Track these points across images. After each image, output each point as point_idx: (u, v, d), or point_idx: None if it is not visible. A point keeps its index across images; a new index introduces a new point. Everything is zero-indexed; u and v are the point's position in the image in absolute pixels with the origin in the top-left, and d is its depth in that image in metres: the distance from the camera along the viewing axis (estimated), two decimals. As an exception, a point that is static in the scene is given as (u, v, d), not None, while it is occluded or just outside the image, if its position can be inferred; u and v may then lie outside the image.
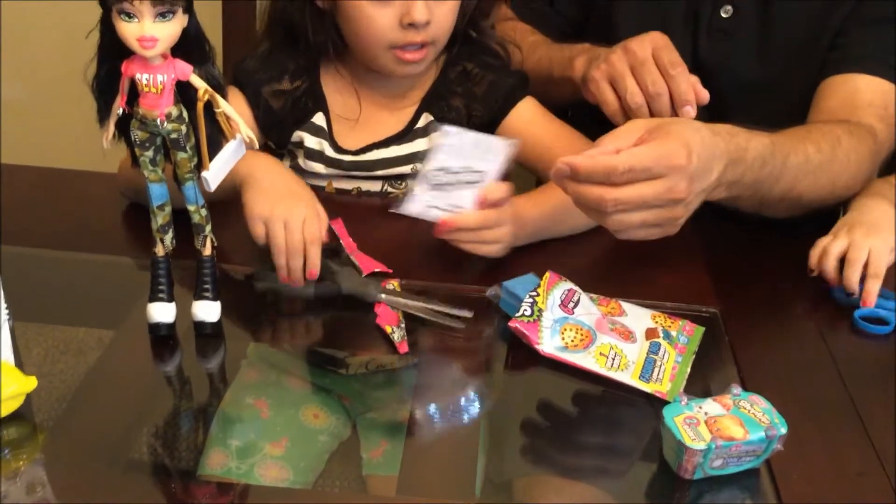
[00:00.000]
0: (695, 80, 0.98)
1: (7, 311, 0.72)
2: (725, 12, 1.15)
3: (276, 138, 1.11)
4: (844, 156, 0.99)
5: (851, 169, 1.01)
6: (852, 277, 0.92)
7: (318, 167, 1.11)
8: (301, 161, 1.11)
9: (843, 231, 0.96)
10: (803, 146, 0.96)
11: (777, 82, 1.15)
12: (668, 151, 0.78)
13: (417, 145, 1.11)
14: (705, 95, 0.97)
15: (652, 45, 0.99)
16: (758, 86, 1.16)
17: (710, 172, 0.82)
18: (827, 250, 0.94)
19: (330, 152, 1.10)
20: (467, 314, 0.87)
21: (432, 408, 0.80)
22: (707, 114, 1.03)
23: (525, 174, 1.19)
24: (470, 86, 1.11)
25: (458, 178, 0.92)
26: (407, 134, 1.12)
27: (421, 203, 0.92)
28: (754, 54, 1.15)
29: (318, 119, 1.10)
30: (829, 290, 0.95)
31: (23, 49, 1.73)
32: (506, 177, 0.95)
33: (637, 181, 0.78)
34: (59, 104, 1.78)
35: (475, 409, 0.81)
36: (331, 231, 0.95)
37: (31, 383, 0.73)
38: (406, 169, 1.11)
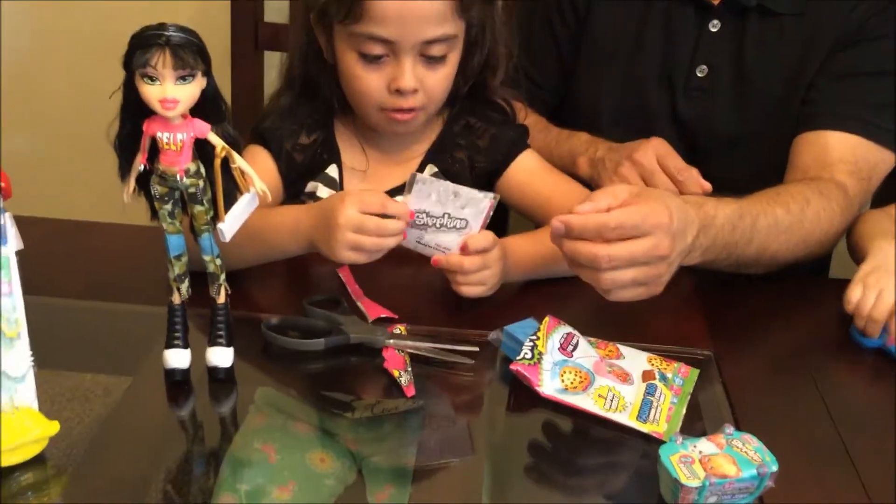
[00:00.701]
0: (696, 175, 1.06)
1: (32, 359, 0.76)
2: (701, 72, 1.19)
3: (293, 191, 1.14)
4: (814, 214, 1.04)
5: (823, 226, 1.05)
6: None
7: None
8: None
9: (873, 279, 0.96)
10: (772, 208, 1.00)
11: (754, 135, 1.19)
12: (653, 210, 0.85)
13: None
14: (708, 187, 1.06)
15: (656, 154, 1.08)
16: (735, 139, 1.20)
17: (686, 234, 0.89)
18: (873, 317, 0.95)
19: None
20: (474, 349, 0.90)
21: (437, 451, 0.81)
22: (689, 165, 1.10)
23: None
24: (473, 139, 1.14)
25: (442, 223, 0.96)
26: None
27: (411, 239, 0.96)
28: (731, 110, 1.19)
29: (332, 170, 1.13)
30: (854, 335, 0.97)
31: (27, 102, 1.77)
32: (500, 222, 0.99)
33: (626, 237, 0.84)
34: (66, 158, 1.82)
35: (479, 451, 0.82)
36: (338, 278, 0.99)
37: (53, 427, 0.75)
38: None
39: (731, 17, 1.18)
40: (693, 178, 1.07)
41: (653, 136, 1.12)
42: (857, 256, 1.07)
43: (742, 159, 1.20)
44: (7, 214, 0.72)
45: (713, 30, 1.18)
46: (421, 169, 1.15)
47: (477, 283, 0.97)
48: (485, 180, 1.13)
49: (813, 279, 1.11)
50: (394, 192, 1.14)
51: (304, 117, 1.13)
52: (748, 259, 1.00)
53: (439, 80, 1.06)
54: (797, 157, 1.14)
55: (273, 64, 1.53)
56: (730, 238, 0.95)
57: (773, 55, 1.17)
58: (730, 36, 1.18)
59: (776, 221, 1.00)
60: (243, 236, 0.84)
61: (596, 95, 1.26)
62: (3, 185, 0.72)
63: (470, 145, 1.14)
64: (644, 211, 0.85)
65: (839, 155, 1.11)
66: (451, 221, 0.95)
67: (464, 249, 0.96)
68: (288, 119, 1.12)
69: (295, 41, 1.13)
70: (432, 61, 1.04)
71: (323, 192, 1.13)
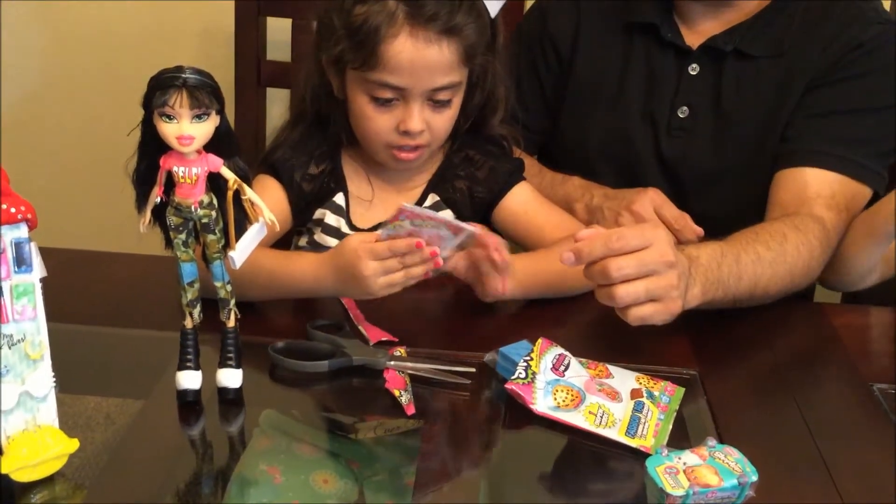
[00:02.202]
0: (689, 221, 1.12)
1: (54, 379, 0.79)
2: (682, 112, 1.24)
3: (301, 219, 1.18)
4: (794, 249, 1.07)
5: (804, 258, 1.09)
6: None
7: (334, 242, 1.17)
8: (318, 237, 1.18)
9: None
10: (752, 246, 1.04)
11: (731, 172, 1.23)
12: (647, 225, 0.91)
13: None
14: (700, 232, 1.12)
15: (653, 204, 1.13)
16: (715, 176, 1.24)
17: (684, 269, 0.93)
18: None
19: (346, 229, 1.18)
20: (471, 370, 0.94)
21: (435, 468, 0.84)
22: (671, 200, 1.15)
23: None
24: (472, 170, 1.19)
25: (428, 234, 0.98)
26: None
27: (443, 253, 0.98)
28: (710, 148, 1.23)
29: (339, 199, 1.18)
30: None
31: (41, 134, 1.81)
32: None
33: (632, 248, 0.88)
34: (82, 191, 1.86)
35: (476, 466, 0.85)
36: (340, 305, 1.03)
37: (73, 445, 0.78)
38: None
39: (708, 60, 1.22)
40: (688, 225, 1.13)
41: (649, 187, 1.17)
42: (851, 264, 1.11)
43: (721, 195, 1.24)
44: (33, 244, 0.77)
45: (692, 73, 1.23)
46: (423, 198, 1.19)
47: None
48: (483, 209, 1.19)
49: (792, 303, 1.15)
50: None
51: (313, 148, 1.17)
52: (743, 295, 1.04)
53: (444, 122, 1.11)
54: (776, 194, 1.17)
55: (274, 100, 1.58)
56: (719, 274, 0.99)
57: (750, 96, 1.21)
58: (709, 79, 1.23)
59: (759, 257, 1.04)
60: (265, 280, 0.90)
61: (583, 134, 1.30)
62: (29, 216, 0.76)
63: (469, 176, 1.19)
64: (642, 226, 0.91)
65: (816, 190, 1.15)
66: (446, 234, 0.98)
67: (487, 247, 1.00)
68: (298, 150, 1.16)
69: (306, 79, 1.17)
70: (438, 105, 1.09)
71: (331, 219, 1.18)
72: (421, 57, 1.05)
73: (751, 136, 1.22)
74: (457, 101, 1.12)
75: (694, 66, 1.23)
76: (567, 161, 1.30)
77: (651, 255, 0.90)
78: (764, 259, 1.04)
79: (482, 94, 1.16)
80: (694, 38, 1.24)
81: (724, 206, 1.15)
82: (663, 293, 0.91)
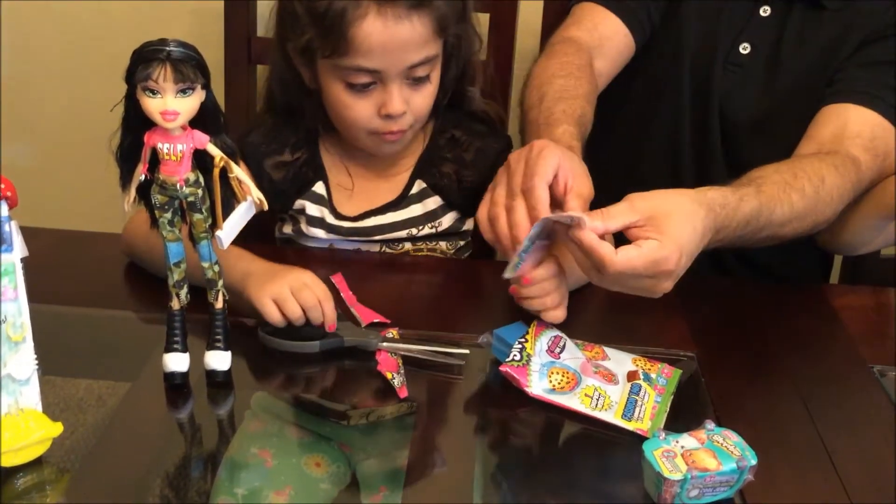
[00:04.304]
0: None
1: (36, 362, 0.78)
2: (744, 49, 1.22)
3: (279, 206, 1.16)
4: (827, 194, 1.04)
5: (835, 205, 1.06)
6: None
7: (320, 233, 1.16)
8: (303, 227, 1.17)
9: None
10: (788, 195, 1.00)
11: (776, 120, 1.21)
12: (661, 257, 0.84)
13: (412, 211, 1.17)
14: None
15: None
16: (757, 122, 1.22)
17: (694, 255, 0.89)
18: None
19: (330, 219, 1.16)
20: (465, 351, 0.92)
21: (429, 451, 0.83)
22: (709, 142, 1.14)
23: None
24: (459, 152, 1.17)
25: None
26: (402, 201, 1.17)
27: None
28: (760, 92, 1.22)
29: (319, 188, 1.16)
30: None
31: (27, 113, 1.79)
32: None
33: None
34: (66, 168, 1.84)
35: (470, 450, 0.84)
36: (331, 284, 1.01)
37: (57, 429, 0.77)
38: (402, 233, 1.17)
39: (781, 3, 1.21)
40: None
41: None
42: (850, 232, 1.10)
43: (761, 143, 1.22)
44: (13, 222, 0.75)
45: (763, 14, 1.21)
46: (409, 185, 1.17)
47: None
48: (472, 194, 1.16)
49: (791, 286, 1.14)
50: (385, 209, 1.17)
51: (288, 136, 1.15)
52: (754, 242, 1.01)
53: (424, 99, 1.09)
54: (815, 129, 1.15)
55: (265, 77, 1.56)
56: (744, 231, 0.96)
57: (808, 46, 1.20)
58: (776, 22, 1.21)
59: (791, 208, 1.01)
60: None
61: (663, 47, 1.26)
62: (9, 194, 0.74)
63: (456, 158, 1.17)
64: (651, 257, 0.84)
65: (857, 129, 1.12)
66: None
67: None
68: (270, 138, 1.14)
69: (274, 70, 1.14)
70: (417, 82, 1.07)
71: (312, 209, 1.16)
72: (393, 36, 1.01)
73: (799, 86, 1.20)
74: (435, 76, 1.09)
75: (766, 7, 1.22)
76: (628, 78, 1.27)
77: (643, 286, 0.86)
78: (796, 209, 1.01)
79: (457, 65, 1.13)
80: None
81: (766, 154, 1.11)
82: (650, 289, 0.89)
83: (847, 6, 1.18)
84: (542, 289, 0.93)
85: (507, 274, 0.90)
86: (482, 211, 0.95)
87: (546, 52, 1.20)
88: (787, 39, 1.20)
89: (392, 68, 1.04)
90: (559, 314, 0.94)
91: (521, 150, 0.95)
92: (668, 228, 0.85)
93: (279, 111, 1.16)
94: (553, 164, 0.91)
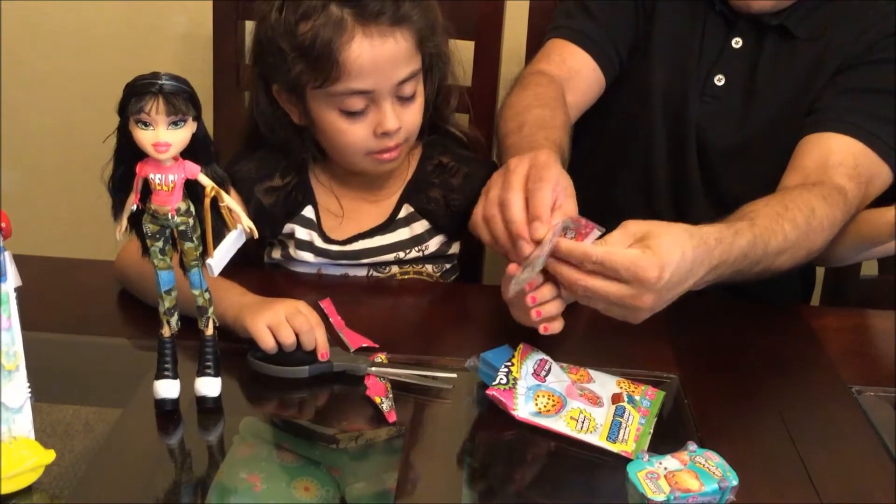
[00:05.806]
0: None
1: (29, 390, 0.79)
2: (719, 80, 1.24)
3: (268, 231, 1.17)
4: (819, 224, 1.06)
5: (826, 234, 1.07)
6: None
7: (308, 256, 1.17)
8: (292, 250, 1.18)
9: None
10: (781, 226, 1.02)
11: (754, 149, 1.23)
12: (642, 265, 0.85)
13: (400, 234, 1.19)
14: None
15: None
16: (737, 150, 1.24)
17: (684, 283, 0.90)
18: None
19: (319, 242, 1.17)
20: (452, 375, 0.94)
21: (417, 474, 0.83)
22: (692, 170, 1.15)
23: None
24: (447, 177, 1.19)
25: None
26: (389, 225, 1.19)
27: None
28: (736, 121, 1.24)
29: (308, 212, 1.17)
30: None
31: (20, 143, 1.79)
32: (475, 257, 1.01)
33: (605, 276, 0.86)
34: (58, 198, 1.84)
35: (457, 473, 0.85)
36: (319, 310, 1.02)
37: (49, 456, 0.78)
38: (389, 257, 1.18)
39: (753, 35, 1.23)
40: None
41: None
42: (833, 251, 1.11)
43: (742, 172, 1.24)
44: (7, 253, 0.76)
45: (735, 46, 1.23)
46: (397, 209, 1.19)
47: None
48: (459, 217, 1.18)
49: (772, 308, 1.16)
50: (372, 232, 1.18)
51: (276, 162, 1.16)
52: (749, 276, 1.02)
53: (414, 115, 1.12)
54: (798, 159, 1.16)
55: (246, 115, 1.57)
56: (740, 266, 0.98)
57: (783, 76, 1.22)
58: (749, 53, 1.23)
59: (785, 238, 1.02)
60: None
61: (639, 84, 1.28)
62: (3, 224, 0.75)
63: (444, 183, 1.19)
64: (631, 260, 0.85)
65: (840, 158, 1.13)
66: None
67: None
68: (260, 165, 1.16)
69: (255, 110, 1.15)
70: (405, 100, 1.09)
71: (301, 233, 1.17)
72: (380, 53, 1.05)
73: (777, 115, 1.22)
74: (420, 92, 1.12)
75: (738, 39, 1.24)
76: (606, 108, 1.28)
77: (618, 294, 0.86)
78: (789, 240, 1.02)
79: (433, 82, 1.16)
80: (744, 11, 1.23)
81: (744, 182, 1.13)
82: (626, 315, 0.89)
83: (819, 36, 1.20)
84: (543, 294, 0.93)
85: (524, 275, 0.89)
86: (477, 212, 0.96)
87: (520, 84, 1.22)
88: (761, 70, 1.22)
89: (383, 86, 1.06)
90: (557, 326, 0.94)
91: (523, 157, 0.95)
92: (656, 245, 0.86)
93: (266, 148, 1.17)
94: (556, 176, 0.92)
